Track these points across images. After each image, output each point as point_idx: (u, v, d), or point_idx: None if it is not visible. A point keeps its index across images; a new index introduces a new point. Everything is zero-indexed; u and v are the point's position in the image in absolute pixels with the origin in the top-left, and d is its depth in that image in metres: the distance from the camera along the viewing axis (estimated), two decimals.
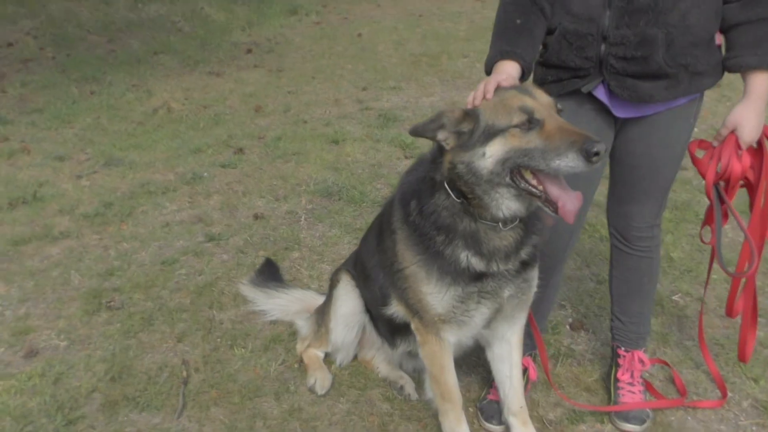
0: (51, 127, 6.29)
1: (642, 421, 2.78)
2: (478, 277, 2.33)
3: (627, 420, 2.78)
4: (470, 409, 2.91)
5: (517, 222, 2.27)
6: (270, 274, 3.67)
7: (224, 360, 3.17)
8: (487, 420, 2.82)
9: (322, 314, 3.12)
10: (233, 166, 5.34)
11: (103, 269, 3.90)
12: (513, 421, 2.69)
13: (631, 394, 2.89)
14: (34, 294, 3.68)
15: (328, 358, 3.17)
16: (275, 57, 8.90)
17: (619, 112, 2.51)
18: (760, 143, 2.56)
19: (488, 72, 2.45)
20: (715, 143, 2.55)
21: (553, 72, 2.55)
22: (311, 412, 2.87)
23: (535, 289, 2.56)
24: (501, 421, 2.77)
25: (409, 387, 2.98)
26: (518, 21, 2.45)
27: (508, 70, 2.36)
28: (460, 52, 8.73)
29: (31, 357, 3.18)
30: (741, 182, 2.65)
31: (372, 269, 2.76)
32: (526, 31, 2.45)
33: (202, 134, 6.06)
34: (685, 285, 3.77)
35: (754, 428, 2.80)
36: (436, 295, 2.37)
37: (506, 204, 2.19)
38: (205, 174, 5.20)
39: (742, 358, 2.87)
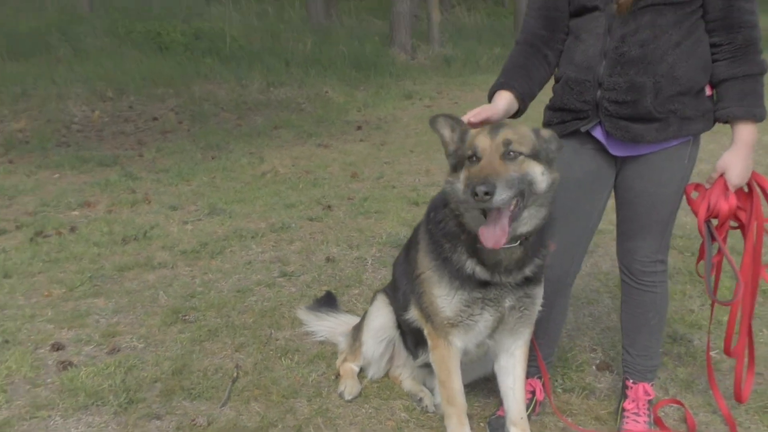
0: (172, 184, 7.12)
1: None
2: (483, 285, 2.65)
3: None
4: (481, 424, 3.16)
5: (516, 243, 2.59)
6: (326, 302, 4.09)
7: (271, 367, 3.59)
8: (490, 431, 3.06)
9: (358, 330, 3.50)
10: (319, 220, 5.89)
11: (186, 293, 4.47)
12: (513, 430, 2.92)
13: (635, 423, 3.05)
14: (126, 308, 4.27)
15: (362, 373, 3.51)
16: (381, 133, 9.58)
17: (615, 151, 2.81)
18: (750, 186, 2.79)
19: (489, 99, 2.84)
20: (707, 185, 2.80)
21: (558, 115, 2.90)
22: (336, 412, 3.22)
23: (538, 307, 2.84)
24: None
25: (428, 400, 3.26)
26: (521, 61, 2.86)
27: (498, 102, 2.75)
28: None
29: (113, 353, 3.72)
30: (734, 223, 2.86)
31: (399, 278, 3.14)
32: (525, 70, 2.84)
33: (299, 194, 6.69)
34: (723, 343, 3.83)
35: None
36: (445, 297, 2.71)
37: (481, 224, 2.49)
38: (293, 225, 5.77)
39: (738, 398, 2.99)
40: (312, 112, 11.11)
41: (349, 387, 3.35)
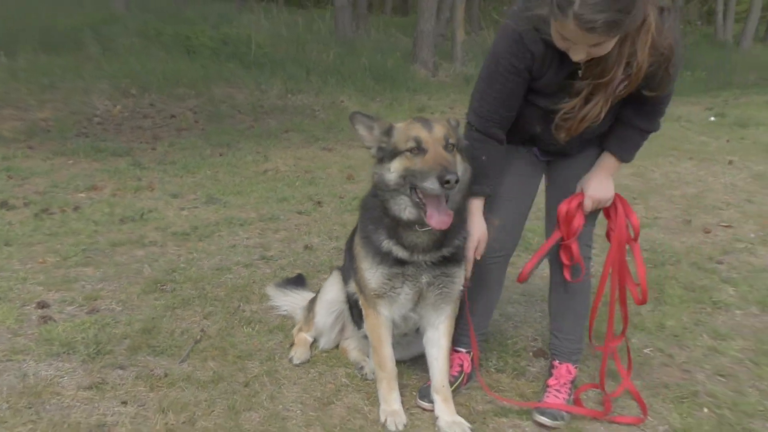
0: (177, 175, 7.51)
1: (554, 418, 3.18)
2: (401, 262, 2.98)
3: (543, 414, 3.19)
4: (414, 393, 3.43)
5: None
6: (295, 282, 4.40)
7: (233, 334, 3.90)
8: (420, 398, 3.34)
9: (313, 303, 3.81)
10: (307, 214, 6.24)
11: (169, 268, 4.82)
12: (436, 397, 3.21)
13: (555, 398, 3.31)
14: (111, 277, 4.63)
15: (315, 344, 3.81)
16: None
17: (542, 157, 3.24)
18: (617, 208, 3.23)
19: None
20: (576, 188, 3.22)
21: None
22: (283, 374, 3.52)
23: (459, 285, 3.16)
24: (430, 399, 3.28)
25: (368, 368, 3.55)
26: (483, 158, 3.07)
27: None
28: None
29: (92, 313, 4.07)
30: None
31: (346, 255, 3.48)
32: (490, 166, 3.10)
33: (293, 190, 7.04)
34: (662, 343, 4.07)
35: None
36: (369, 271, 3.05)
37: (408, 210, 2.86)
38: (281, 216, 6.12)
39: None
40: (324, 119, 11.48)
41: (299, 353, 3.66)
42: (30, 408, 3.08)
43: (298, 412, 3.20)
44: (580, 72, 2.74)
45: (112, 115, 10.84)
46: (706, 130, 11.88)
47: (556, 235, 3.23)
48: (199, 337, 3.82)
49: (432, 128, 2.80)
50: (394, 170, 2.82)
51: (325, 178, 7.67)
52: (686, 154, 9.75)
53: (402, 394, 3.28)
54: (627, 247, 3.30)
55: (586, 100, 2.75)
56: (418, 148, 2.76)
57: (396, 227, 2.92)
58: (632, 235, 3.26)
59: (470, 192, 3.02)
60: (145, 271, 4.74)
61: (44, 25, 15.27)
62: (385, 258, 2.99)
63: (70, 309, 4.12)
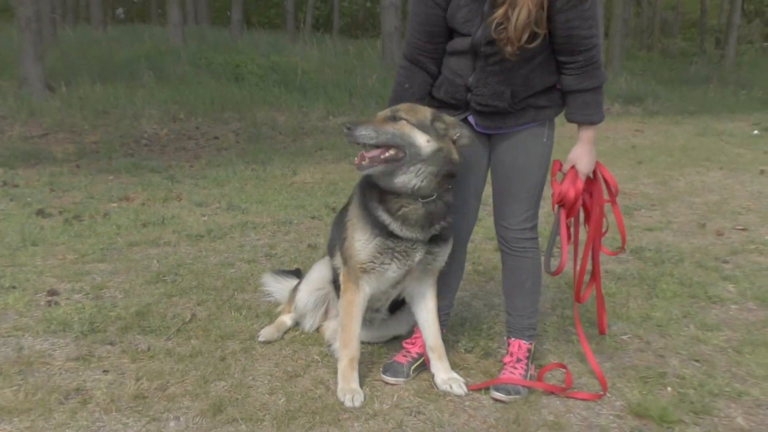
0: (206, 187, 7.88)
1: (508, 393, 3.27)
2: (396, 237, 3.21)
3: (497, 390, 3.30)
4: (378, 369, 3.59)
5: (424, 201, 3.13)
6: (291, 272, 4.59)
7: (222, 318, 4.13)
8: (383, 372, 3.48)
9: (298, 284, 4.02)
10: (320, 219, 6.48)
11: (177, 263, 5.11)
12: (431, 354, 3.45)
13: (510, 374, 3.41)
14: (122, 271, 4.94)
15: (298, 327, 4.01)
16: None
17: (481, 129, 3.35)
18: (594, 174, 3.39)
19: None
20: (565, 168, 3.33)
21: (435, 103, 3.41)
22: (259, 351, 3.72)
23: (442, 262, 3.38)
24: (394, 375, 3.44)
25: (336, 346, 3.71)
26: (406, 86, 3.35)
27: None
28: None
29: (94, 299, 4.37)
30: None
31: (332, 229, 3.76)
32: (411, 94, 3.34)
33: (313, 199, 7.30)
34: (642, 331, 4.11)
35: (611, 419, 3.17)
36: (363, 242, 3.26)
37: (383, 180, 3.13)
38: (295, 221, 6.38)
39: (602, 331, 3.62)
40: None
41: (266, 331, 3.86)
42: (19, 374, 3.36)
43: (265, 381, 3.39)
44: None
45: (158, 138, 11.38)
46: (746, 144, 11.69)
47: (564, 217, 3.37)
48: (188, 319, 4.06)
49: (394, 108, 3.15)
50: None
51: (347, 189, 7.89)
52: (717, 164, 9.64)
53: (368, 369, 3.47)
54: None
55: (513, 5, 2.91)
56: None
57: (388, 200, 3.17)
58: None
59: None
60: (153, 266, 5.03)
61: (105, 57, 16.14)
62: (381, 230, 3.20)
63: (77, 297, 4.43)
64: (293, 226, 6.25)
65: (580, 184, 3.29)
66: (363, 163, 3.02)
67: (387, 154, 3.02)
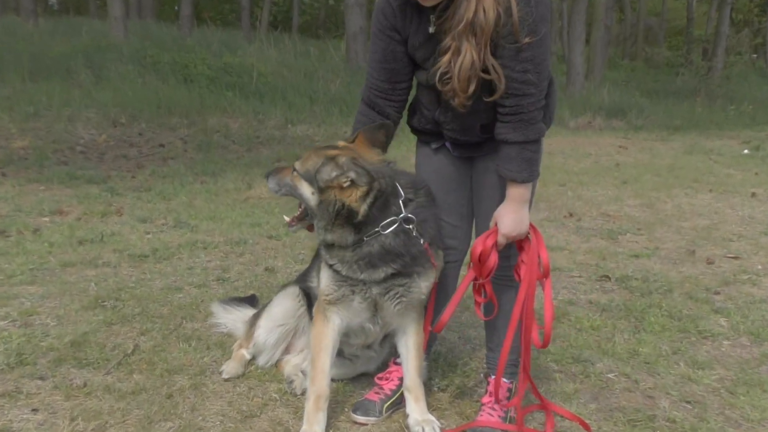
0: (151, 201, 7.79)
1: None
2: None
3: None
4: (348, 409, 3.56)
5: (354, 246, 3.13)
6: (244, 300, 4.55)
7: (168, 350, 4.06)
8: (353, 411, 3.46)
9: (256, 318, 3.98)
10: (278, 239, 6.44)
11: (117, 287, 5.03)
12: (407, 395, 3.44)
13: (489, 416, 3.41)
14: (54, 295, 4.84)
15: (253, 361, 3.96)
16: None
17: (457, 154, 3.40)
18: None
19: None
20: (491, 224, 3.25)
21: (414, 130, 3.49)
22: (211, 388, 3.67)
23: (419, 294, 3.33)
24: (364, 413, 3.44)
25: (298, 382, 3.67)
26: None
27: None
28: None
29: (23, 327, 4.27)
30: None
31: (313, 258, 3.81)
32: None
33: (270, 216, 7.27)
34: (629, 369, 4.14)
35: None
36: (323, 272, 3.33)
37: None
38: (250, 240, 6.34)
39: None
40: None
41: (230, 367, 3.81)
42: None
43: (217, 423, 3.34)
44: (432, 21, 2.97)
45: (96, 144, 11.23)
46: (736, 163, 11.95)
47: (470, 276, 3.27)
48: (130, 351, 3.98)
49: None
50: None
51: None
52: (706, 185, 9.84)
53: (338, 409, 3.46)
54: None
55: (457, 52, 2.88)
56: None
57: (332, 244, 3.21)
58: (542, 272, 3.23)
59: None
60: (90, 290, 4.94)
61: (36, 52, 15.91)
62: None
63: (3, 324, 4.32)
64: (248, 246, 6.20)
65: (491, 242, 3.15)
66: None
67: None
